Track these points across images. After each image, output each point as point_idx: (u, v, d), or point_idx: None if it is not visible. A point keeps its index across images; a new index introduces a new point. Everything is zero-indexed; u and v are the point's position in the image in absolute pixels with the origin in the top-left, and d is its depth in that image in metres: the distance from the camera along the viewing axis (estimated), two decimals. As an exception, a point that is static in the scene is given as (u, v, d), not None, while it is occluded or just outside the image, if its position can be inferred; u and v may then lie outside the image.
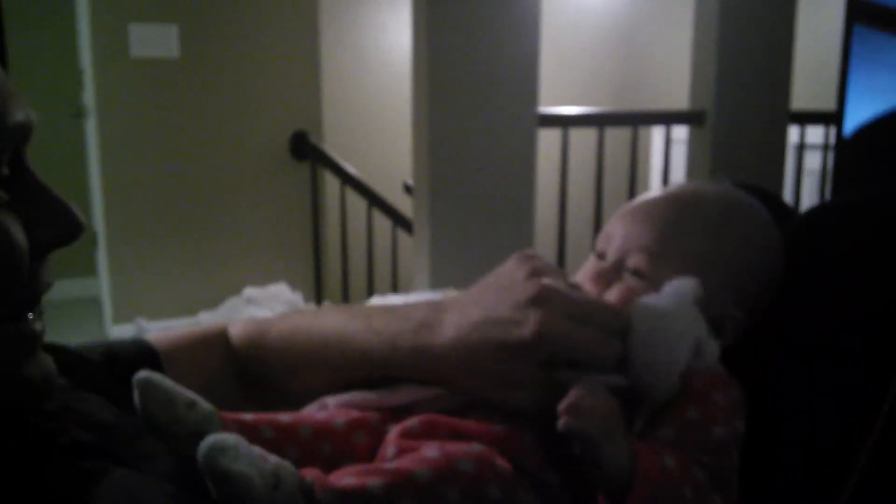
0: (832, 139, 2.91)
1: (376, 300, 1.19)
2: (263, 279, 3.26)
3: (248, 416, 0.58)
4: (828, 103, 3.00)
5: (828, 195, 3.05)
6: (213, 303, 3.23)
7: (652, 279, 0.65)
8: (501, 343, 0.56)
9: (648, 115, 2.90)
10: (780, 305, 0.67)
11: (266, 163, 3.29)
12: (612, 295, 0.65)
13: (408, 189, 2.94)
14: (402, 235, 3.01)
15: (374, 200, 3.00)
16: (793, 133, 2.87)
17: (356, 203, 3.12)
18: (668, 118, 2.75)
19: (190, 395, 0.55)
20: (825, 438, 0.60)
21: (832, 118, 2.90)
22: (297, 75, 3.30)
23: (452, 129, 2.24)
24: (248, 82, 3.24)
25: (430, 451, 0.53)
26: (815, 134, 3.05)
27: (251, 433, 0.55)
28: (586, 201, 3.03)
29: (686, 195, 0.70)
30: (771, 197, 0.74)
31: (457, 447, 0.54)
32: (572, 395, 0.53)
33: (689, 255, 0.65)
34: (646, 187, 4.14)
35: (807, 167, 3.08)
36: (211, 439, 0.47)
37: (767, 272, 0.67)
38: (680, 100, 2.93)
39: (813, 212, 0.71)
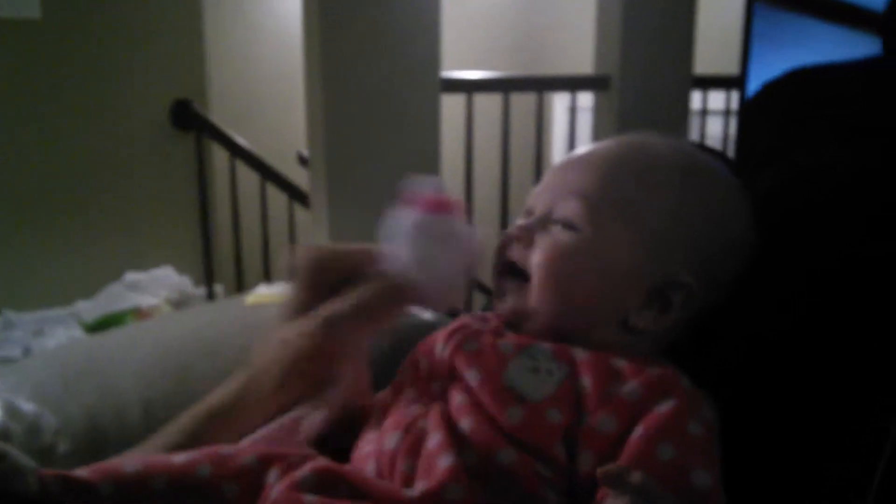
0: (734, 104, 2.91)
1: (263, 290, 1.02)
2: (146, 262, 2.98)
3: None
4: (729, 68, 2.99)
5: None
6: (90, 290, 2.93)
7: (584, 231, 0.52)
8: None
9: (554, 79, 2.81)
10: (749, 288, 0.55)
11: (145, 134, 3.00)
12: (536, 254, 0.52)
13: (303, 160, 2.74)
14: (299, 210, 2.81)
15: (268, 173, 2.79)
16: (694, 99, 2.84)
17: (248, 176, 2.88)
18: (574, 83, 2.67)
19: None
20: (808, 458, 0.48)
21: (735, 82, 2.89)
22: (177, 38, 3.01)
23: (349, 94, 2.06)
24: (121, 46, 2.92)
25: None
26: (717, 100, 3.05)
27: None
28: (492, 172, 2.92)
29: (635, 140, 0.57)
30: (731, 164, 0.62)
31: None
32: None
33: (633, 204, 0.52)
34: (550, 157, 4.08)
35: (709, 133, 3.08)
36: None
37: (729, 238, 0.54)
38: (582, 67, 2.85)
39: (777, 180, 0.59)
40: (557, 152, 4.28)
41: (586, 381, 0.47)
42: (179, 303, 2.86)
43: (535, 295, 0.52)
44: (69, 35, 2.84)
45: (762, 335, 0.53)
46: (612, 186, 0.52)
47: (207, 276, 2.90)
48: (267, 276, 2.83)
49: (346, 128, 2.08)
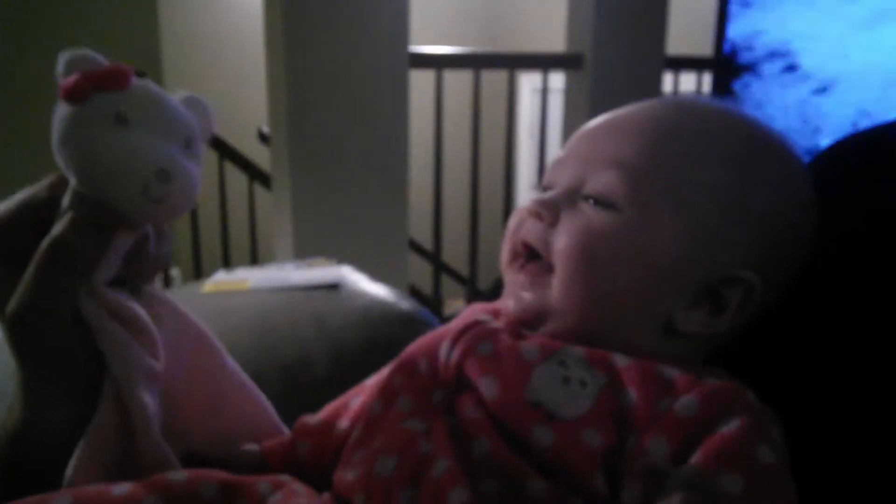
0: (706, 87, 2.86)
1: (221, 276, 0.93)
2: (98, 245, 2.84)
3: None
4: (702, 49, 2.95)
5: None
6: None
7: (624, 211, 0.42)
8: None
9: (527, 56, 2.72)
10: (810, 281, 0.47)
11: (95, 110, 2.84)
12: (562, 237, 0.42)
13: (263, 138, 2.62)
14: (259, 191, 2.69)
15: (226, 151, 2.66)
16: (665, 81, 2.79)
17: (205, 155, 2.74)
18: (546, 61, 2.59)
19: None
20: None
21: (707, 64, 2.85)
22: (129, 7, 2.85)
23: (313, 69, 1.95)
24: (71, 15, 2.76)
25: None
26: (688, 81, 3.00)
27: None
28: (458, 153, 2.84)
29: (685, 103, 0.47)
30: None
31: None
32: None
33: (685, 180, 0.43)
34: (517, 139, 4.00)
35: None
36: None
37: (793, 224, 0.45)
38: (553, 46, 2.78)
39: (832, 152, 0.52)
40: (524, 135, 4.21)
41: (631, 393, 0.39)
42: (133, 288, 2.72)
43: (560, 288, 0.43)
44: (15, 8, 2.67)
45: (826, 337, 0.45)
46: (660, 157, 0.43)
47: (163, 260, 2.77)
48: (226, 261, 2.71)
49: (309, 104, 1.97)
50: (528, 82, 4.11)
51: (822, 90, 2.00)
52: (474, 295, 2.60)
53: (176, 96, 0.45)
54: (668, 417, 0.37)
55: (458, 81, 2.59)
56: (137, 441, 0.41)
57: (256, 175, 2.66)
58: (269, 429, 0.52)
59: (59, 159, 0.40)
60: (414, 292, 2.67)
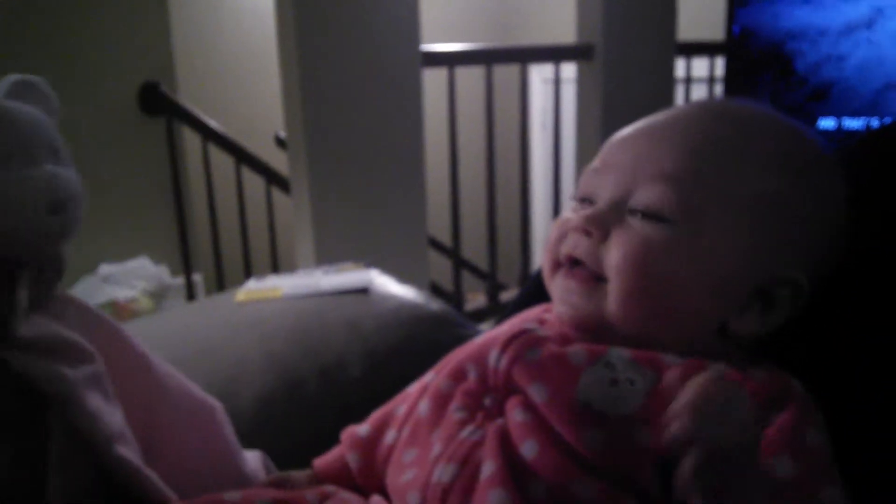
0: (718, 71, 2.85)
1: (252, 284, 0.95)
2: (121, 253, 2.88)
3: None
4: (713, 34, 2.93)
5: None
6: (64, 285, 2.81)
7: (677, 224, 0.42)
8: None
9: (538, 50, 2.72)
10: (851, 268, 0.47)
11: (112, 121, 2.87)
12: (616, 252, 0.43)
13: (280, 142, 2.64)
14: (277, 195, 2.71)
15: (243, 157, 2.68)
16: (678, 66, 2.78)
17: (222, 161, 2.78)
18: (557, 53, 2.59)
19: None
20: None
21: (719, 48, 2.84)
22: (140, 17, 2.88)
23: (327, 72, 1.97)
24: (81, 28, 2.79)
25: None
26: (700, 67, 2.99)
27: None
28: (472, 148, 2.84)
29: (720, 106, 0.48)
30: None
31: None
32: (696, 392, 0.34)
33: (734, 188, 0.43)
34: (530, 131, 4.00)
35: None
36: None
37: (835, 219, 0.46)
38: (563, 34, 2.77)
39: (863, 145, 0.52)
40: (536, 125, 4.21)
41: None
42: (157, 294, 2.76)
43: (617, 303, 0.43)
44: (26, 18, 2.70)
45: (869, 320, 0.46)
46: (706, 168, 0.43)
47: (185, 266, 2.80)
48: (247, 264, 2.74)
49: (325, 107, 1.99)
50: (538, 72, 4.11)
51: (817, 96, 1.97)
52: (495, 289, 2.61)
53: (2, 87, 0.35)
54: None
55: (468, 76, 2.59)
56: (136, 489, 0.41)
57: (274, 179, 2.69)
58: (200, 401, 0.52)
59: None
60: (434, 289, 2.68)
